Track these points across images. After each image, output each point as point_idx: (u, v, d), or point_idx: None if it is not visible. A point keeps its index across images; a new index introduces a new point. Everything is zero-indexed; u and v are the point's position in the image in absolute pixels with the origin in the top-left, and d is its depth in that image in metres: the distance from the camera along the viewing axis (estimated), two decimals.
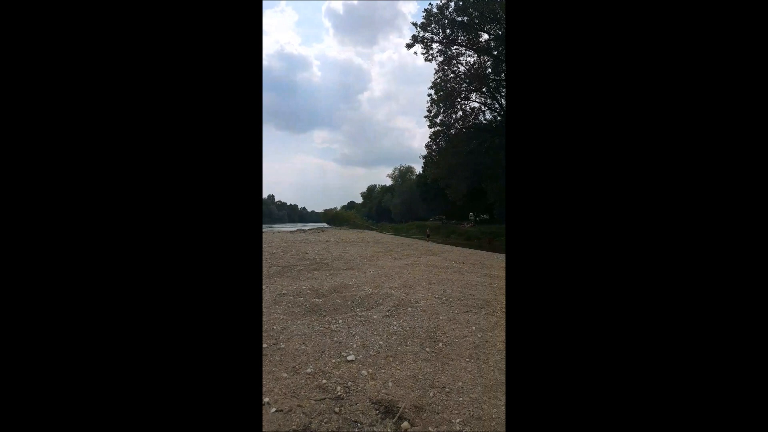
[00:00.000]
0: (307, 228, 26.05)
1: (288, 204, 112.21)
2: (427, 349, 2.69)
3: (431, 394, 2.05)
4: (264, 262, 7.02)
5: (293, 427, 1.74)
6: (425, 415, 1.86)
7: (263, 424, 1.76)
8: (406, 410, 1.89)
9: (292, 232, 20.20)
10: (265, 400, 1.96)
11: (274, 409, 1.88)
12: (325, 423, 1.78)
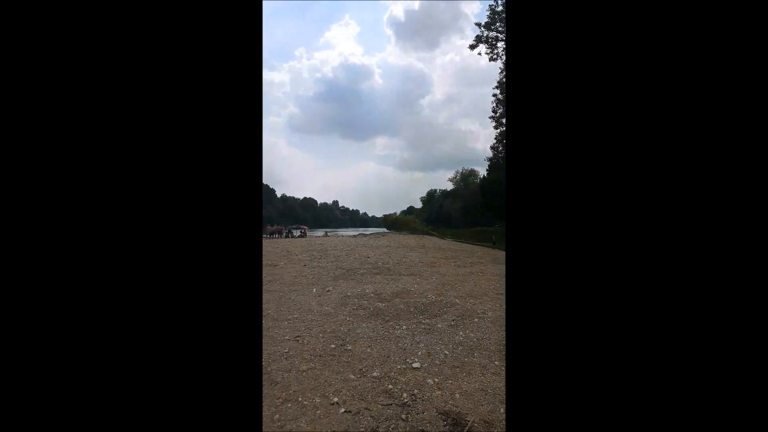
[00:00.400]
0: (368, 232, 26.72)
1: (350, 209, 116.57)
2: (496, 363, 2.58)
3: (502, 410, 1.96)
4: (330, 264, 7.37)
5: (361, 429, 1.80)
6: (496, 431, 1.79)
7: (333, 423, 1.85)
8: (476, 424, 1.83)
9: (354, 236, 20.89)
10: (335, 399, 2.05)
11: (343, 410, 1.95)
12: (392, 429, 1.80)
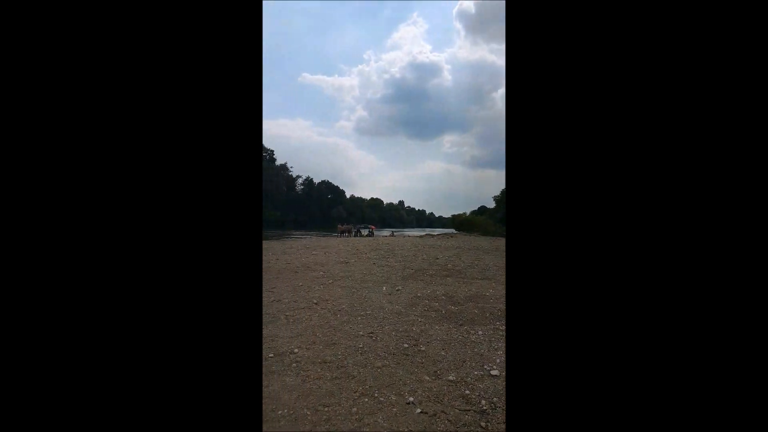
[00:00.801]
0: (435, 233, 26.45)
1: (416, 209, 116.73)
2: None
3: None
4: (398, 263, 7.47)
5: (440, 431, 1.79)
6: None
7: (410, 422, 1.87)
8: None
9: (421, 236, 20.85)
10: (410, 399, 2.08)
11: (419, 410, 1.97)
12: None
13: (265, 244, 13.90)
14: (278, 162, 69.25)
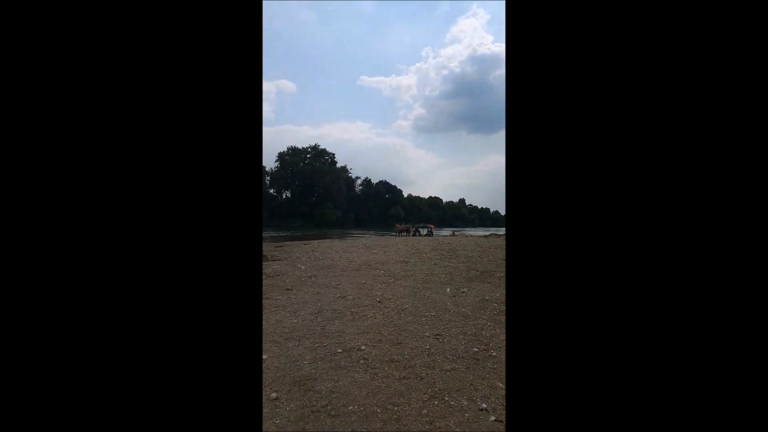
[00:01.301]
0: (501, 233, 25.31)
1: (479, 207, 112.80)
2: None
3: None
4: (462, 265, 7.29)
5: None
6: None
7: (484, 429, 1.81)
8: None
9: (485, 236, 20.09)
10: (483, 405, 2.01)
11: (493, 418, 1.90)
12: None
13: (328, 242, 14.51)
14: (339, 164, 72.13)
